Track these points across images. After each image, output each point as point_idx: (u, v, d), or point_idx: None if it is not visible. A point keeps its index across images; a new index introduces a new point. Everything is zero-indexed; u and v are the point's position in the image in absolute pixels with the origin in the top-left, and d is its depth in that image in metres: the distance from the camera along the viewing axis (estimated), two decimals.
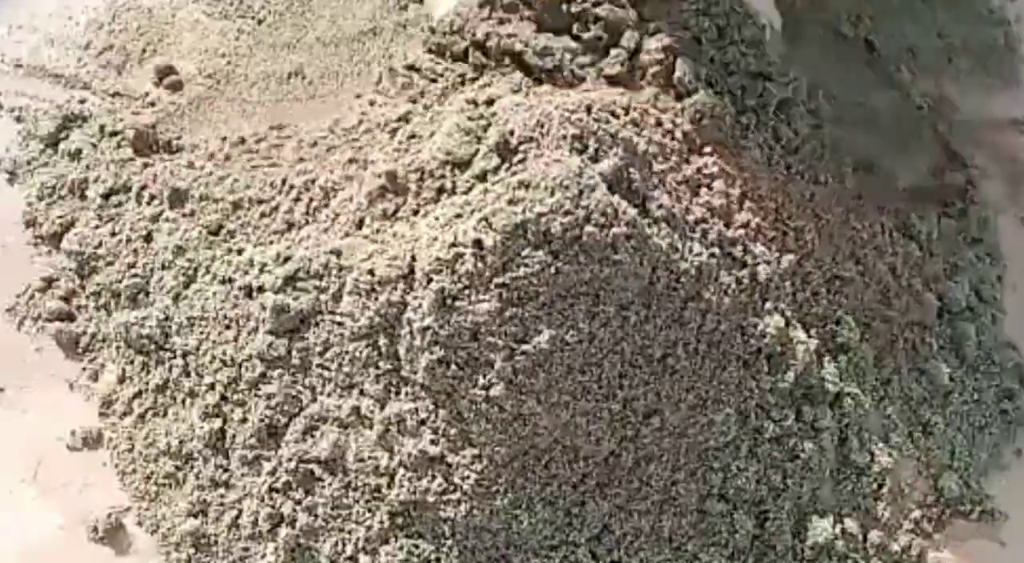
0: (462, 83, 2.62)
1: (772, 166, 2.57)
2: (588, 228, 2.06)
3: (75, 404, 2.54)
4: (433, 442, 2.17)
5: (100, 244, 2.66)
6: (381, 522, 2.20)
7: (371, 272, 2.21)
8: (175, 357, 2.46)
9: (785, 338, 2.34)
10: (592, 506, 2.21)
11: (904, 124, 2.93)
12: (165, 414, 2.45)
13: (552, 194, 2.06)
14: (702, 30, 2.62)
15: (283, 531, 2.27)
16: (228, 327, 2.38)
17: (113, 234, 2.67)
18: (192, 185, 2.67)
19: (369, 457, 2.21)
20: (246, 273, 2.39)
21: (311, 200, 2.48)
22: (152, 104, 2.97)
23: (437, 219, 2.18)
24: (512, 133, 2.19)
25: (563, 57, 2.55)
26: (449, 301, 2.10)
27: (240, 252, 2.46)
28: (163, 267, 2.54)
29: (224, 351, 2.37)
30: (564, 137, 2.16)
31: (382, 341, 2.20)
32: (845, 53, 2.98)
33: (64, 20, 3.19)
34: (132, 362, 2.52)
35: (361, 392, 2.23)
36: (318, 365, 2.26)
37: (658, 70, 2.53)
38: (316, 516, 2.25)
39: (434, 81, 2.65)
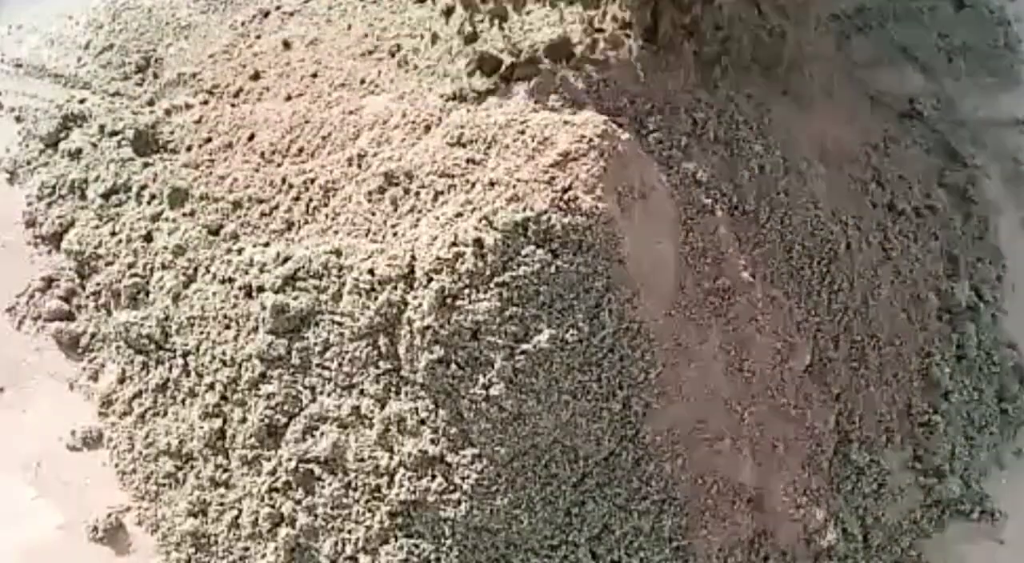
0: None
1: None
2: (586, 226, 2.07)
3: (75, 404, 2.55)
4: (433, 442, 2.17)
5: (100, 244, 2.66)
6: (381, 522, 2.20)
7: (371, 272, 2.21)
8: (175, 357, 2.46)
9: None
10: (592, 506, 2.21)
11: None
12: (165, 414, 2.45)
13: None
14: None
15: (283, 531, 2.27)
16: (228, 327, 2.38)
17: (113, 234, 2.67)
18: (192, 185, 2.67)
19: (369, 457, 2.21)
20: (246, 273, 2.39)
21: (311, 199, 2.48)
22: (151, 104, 2.97)
23: (437, 218, 2.18)
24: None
25: None
26: (449, 300, 2.10)
27: (240, 252, 2.46)
28: (163, 267, 2.54)
29: (224, 351, 2.37)
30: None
31: (382, 341, 2.20)
32: None
33: (64, 20, 3.20)
34: (132, 362, 2.52)
35: (361, 392, 2.23)
36: (318, 365, 2.26)
37: None
38: (316, 516, 2.25)
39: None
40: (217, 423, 2.36)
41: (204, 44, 3.09)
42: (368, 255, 2.25)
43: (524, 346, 2.09)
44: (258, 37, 3.06)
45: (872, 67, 3.11)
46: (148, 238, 2.62)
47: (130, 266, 2.59)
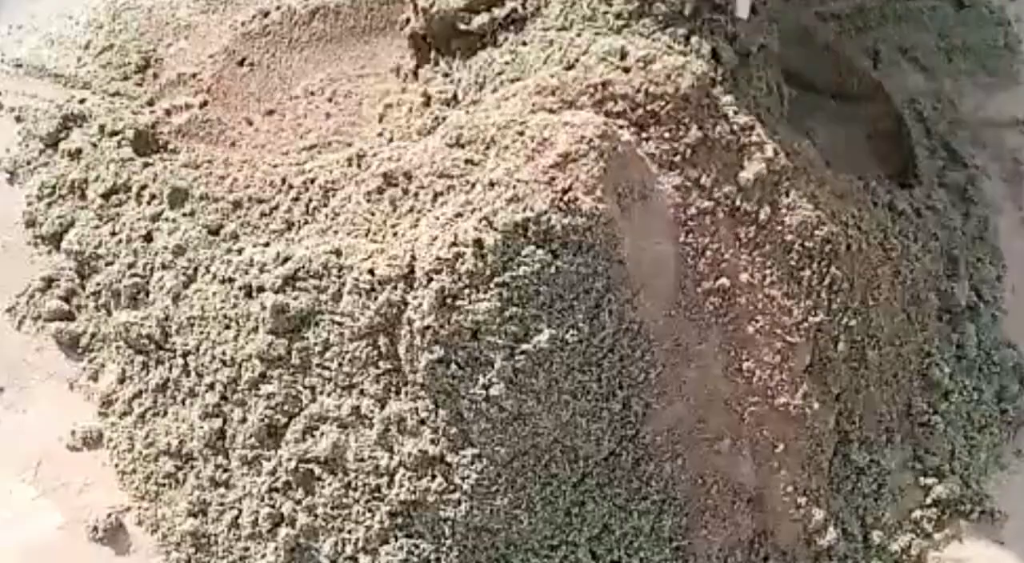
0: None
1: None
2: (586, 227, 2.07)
3: (75, 404, 2.55)
4: (433, 442, 2.17)
5: (100, 244, 2.66)
6: (381, 522, 2.20)
7: (371, 272, 2.21)
8: (175, 357, 2.46)
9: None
10: (592, 506, 2.21)
11: None
12: (165, 414, 2.46)
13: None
14: None
15: (283, 531, 2.27)
16: (228, 327, 2.38)
17: (113, 234, 2.67)
18: (192, 185, 2.67)
19: (369, 457, 2.21)
20: (246, 273, 2.39)
21: (311, 199, 2.48)
22: (151, 104, 2.97)
23: (437, 219, 2.18)
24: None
25: None
26: (449, 300, 2.10)
27: (240, 252, 2.46)
28: (163, 267, 2.54)
29: (224, 351, 2.37)
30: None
31: (382, 341, 2.20)
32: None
33: (64, 20, 3.19)
34: (132, 362, 2.52)
35: (361, 392, 2.23)
36: (318, 365, 2.26)
37: None
38: (316, 516, 2.25)
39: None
40: (217, 423, 2.36)
41: (204, 44, 3.09)
42: (368, 255, 2.24)
43: (524, 346, 2.09)
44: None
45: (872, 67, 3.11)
46: (148, 238, 2.62)
47: (130, 266, 2.59)
